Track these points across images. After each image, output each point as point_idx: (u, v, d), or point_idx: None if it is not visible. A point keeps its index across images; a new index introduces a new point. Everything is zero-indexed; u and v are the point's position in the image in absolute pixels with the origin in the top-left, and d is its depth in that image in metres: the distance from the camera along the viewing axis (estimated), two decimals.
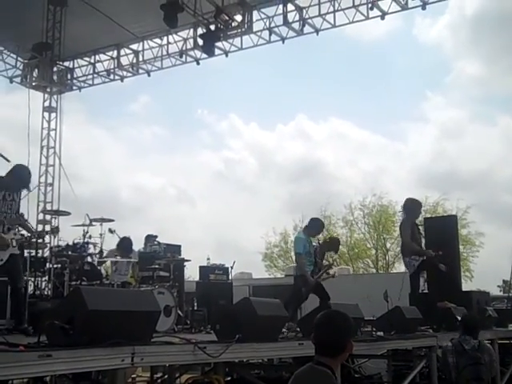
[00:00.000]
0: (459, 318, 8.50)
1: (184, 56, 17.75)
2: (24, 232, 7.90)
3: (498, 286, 31.91)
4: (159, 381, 10.42)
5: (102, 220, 10.32)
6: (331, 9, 15.30)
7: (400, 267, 34.84)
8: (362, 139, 47.85)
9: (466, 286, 23.67)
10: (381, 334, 8.10)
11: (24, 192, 7.93)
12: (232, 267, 12.32)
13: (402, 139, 50.60)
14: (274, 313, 6.06)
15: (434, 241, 11.50)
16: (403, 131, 50.32)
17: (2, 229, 7.32)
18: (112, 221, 10.57)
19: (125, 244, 10.72)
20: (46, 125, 19.43)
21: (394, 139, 52.40)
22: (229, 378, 8.57)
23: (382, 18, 14.88)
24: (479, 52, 45.25)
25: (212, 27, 15.03)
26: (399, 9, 14.82)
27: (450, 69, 55.29)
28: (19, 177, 7.76)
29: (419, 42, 48.68)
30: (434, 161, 45.80)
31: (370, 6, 14.76)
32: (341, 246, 37.94)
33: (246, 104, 52.48)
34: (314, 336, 3.48)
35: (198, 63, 17.56)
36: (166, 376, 10.32)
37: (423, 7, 14.41)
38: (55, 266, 9.64)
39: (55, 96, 19.53)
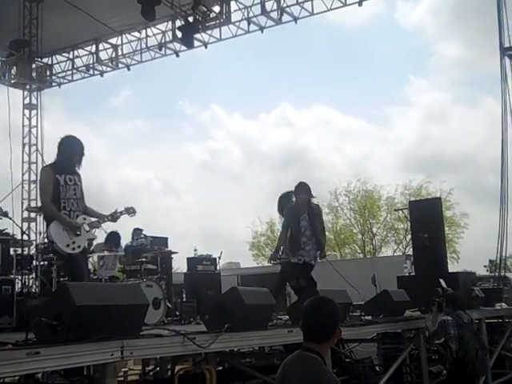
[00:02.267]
0: (437, 300, 8.59)
1: (163, 49, 17.65)
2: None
3: (485, 266, 32.11)
4: (151, 373, 10.46)
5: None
6: None
7: (387, 251, 35.11)
8: (347, 125, 48.02)
9: (453, 267, 23.94)
10: (369, 318, 8.16)
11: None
12: (220, 257, 12.37)
13: (386, 124, 50.75)
14: (262, 301, 6.08)
15: (419, 223, 11.59)
16: (387, 116, 50.55)
17: (71, 216, 6.92)
18: None
19: (113, 238, 10.71)
20: (26, 122, 19.32)
21: (379, 124, 52.53)
22: (220, 368, 8.61)
23: (360, 4, 14.83)
24: (461, 34, 45.39)
25: (190, 19, 14.97)
26: None
27: (431, 52, 55.57)
28: (70, 153, 7.04)
29: (401, 26, 48.90)
30: (419, 144, 46.12)
31: None
32: (327, 233, 38.08)
33: (228, 94, 52.50)
34: (301, 323, 3.51)
35: (178, 55, 17.47)
36: (157, 368, 10.36)
37: None
38: (42, 263, 9.60)
39: (35, 93, 19.40)
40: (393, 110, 51.43)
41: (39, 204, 17.55)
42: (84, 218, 7.09)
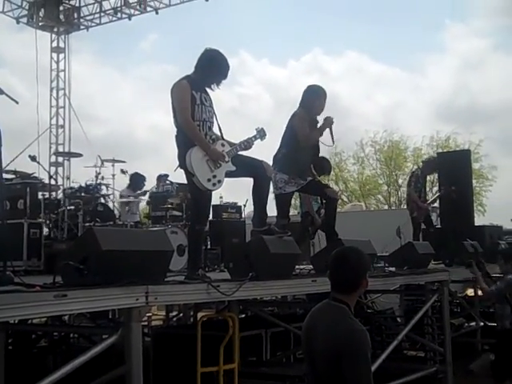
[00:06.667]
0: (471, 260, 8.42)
1: None
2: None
3: None
4: (174, 319, 10.61)
5: (114, 161, 10.33)
6: None
7: None
8: (380, 73, 47.19)
9: (479, 220, 23.67)
10: (393, 269, 8.14)
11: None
12: (245, 205, 12.32)
13: (420, 71, 49.72)
14: (287, 250, 6.07)
15: (446, 176, 11.48)
16: (422, 63, 49.57)
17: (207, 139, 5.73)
18: (123, 162, 10.59)
19: (136, 179, 10.74)
20: (54, 66, 19.23)
21: (413, 71, 51.59)
22: (243, 316, 8.69)
23: None
24: None
25: None
26: None
27: None
28: (215, 70, 5.88)
29: None
30: (454, 93, 45.11)
31: None
32: (352, 183, 37.80)
33: (256, 40, 51.82)
34: (329, 273, 3.49)
35: None
36: (180, 314, 10.51)
37: None
38: (69, 207, 9.68)
39: (63, 36, 19.25)
40: (428, 57, 50.46)
41: (67, 149, 17.71)
42: (223, 145, 5.86)
